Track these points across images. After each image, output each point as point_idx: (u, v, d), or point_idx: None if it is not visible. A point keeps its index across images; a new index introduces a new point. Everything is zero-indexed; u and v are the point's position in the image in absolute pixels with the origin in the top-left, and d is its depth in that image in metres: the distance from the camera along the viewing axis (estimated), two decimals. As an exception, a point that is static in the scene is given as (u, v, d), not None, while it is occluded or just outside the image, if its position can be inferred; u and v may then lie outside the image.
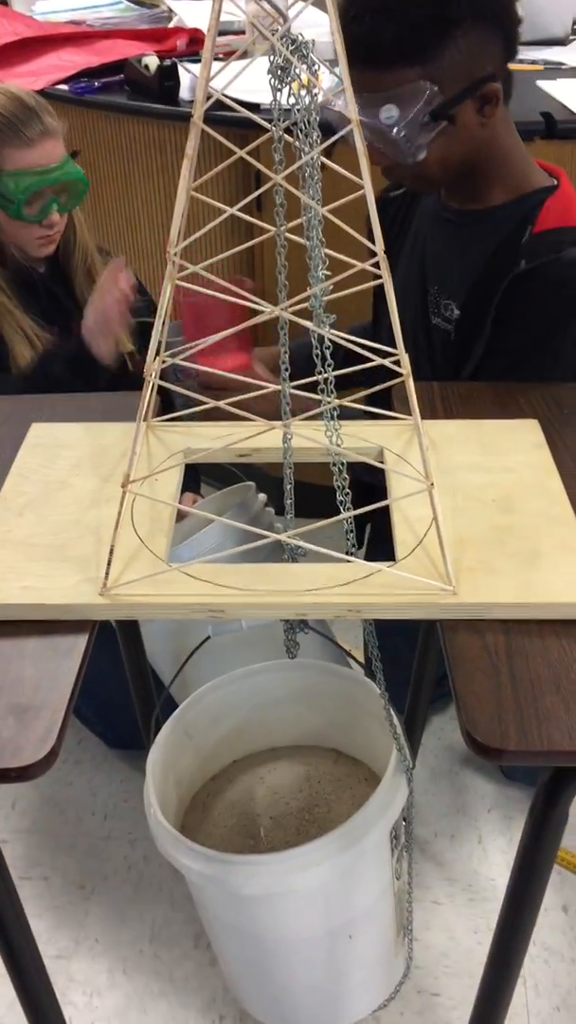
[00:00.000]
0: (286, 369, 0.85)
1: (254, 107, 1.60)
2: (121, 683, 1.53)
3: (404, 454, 0.99)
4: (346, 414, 0.88)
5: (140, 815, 1.68)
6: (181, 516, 1.07)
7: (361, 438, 1.01)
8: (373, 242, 0.73)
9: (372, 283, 0.78)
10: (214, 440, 1.01)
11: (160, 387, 0.87)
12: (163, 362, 0.84)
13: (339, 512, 0.86)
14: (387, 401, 1.08)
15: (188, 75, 1.91)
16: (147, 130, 2.03)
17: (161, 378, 0.85)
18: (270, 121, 0.72)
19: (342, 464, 0.86)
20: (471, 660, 0.78)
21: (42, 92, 2.02)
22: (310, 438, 0.88)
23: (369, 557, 0.87)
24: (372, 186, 0.72)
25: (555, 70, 2.03)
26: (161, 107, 1.93)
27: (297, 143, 0.72)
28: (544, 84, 1.89)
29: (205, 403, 0.83)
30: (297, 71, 0.69)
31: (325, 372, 0.80)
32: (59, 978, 1.44)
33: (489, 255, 1.19)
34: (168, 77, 1.91)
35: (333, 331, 0.77)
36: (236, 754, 1.36)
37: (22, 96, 1.41)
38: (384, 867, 1.12)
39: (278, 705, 1.30)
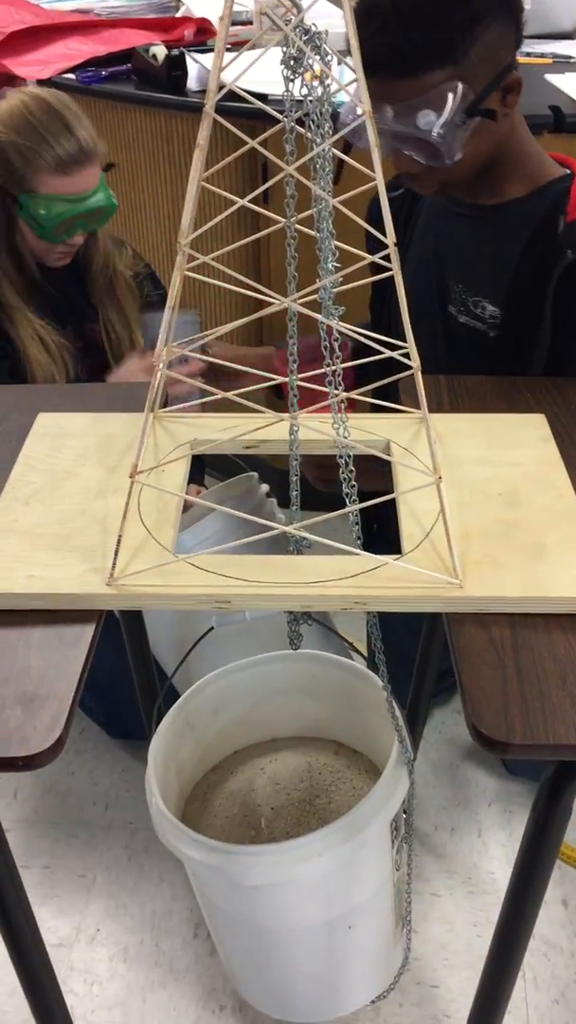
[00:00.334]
0: (294, 361, 0.85)
1: (261, 97, 1.60)
2: (123, 673, 1.53)
3: (411, 447, 0.99)
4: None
5: (141, 805, 1.69)
6: (186, 507, 1.07)
7: (367, 431, 1.01)
8: (384, 234, 0.73)
9: (381, 276, 0.78)
10: (221, 431, 1.01)
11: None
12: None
13: (345, 505, 0.86)
14: (393, 394, 1.08)
15: (196, 65, 1.91)
16: (154, 120, 2.03)
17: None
18: (281, 112, 0.71)
19: (348, 456, 0.86)
20: (477, 654, 0.78)
21: (49, 81, 2.02)
22: (317, 430, 0.89)
23: (374, 553, 0.87)
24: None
25: (563, 63, 2.03)
26: (168, 97, 1.93)
27: (308, 134, 0.72)
28: (552, 78, 1.88)
29: (213, 393, 0.83)
30: (310, 62, 0.69)
31: (333, 364, 0.80)
32: (60, 967, 1.44)
33: (522, 249, 1.18)
34: (176, 67, 1.90)
35: (342, 324, 0.77)
36: (237, 744, 1.36)
37: (71, 123, 1.38)
38: (384, 858, 1.13)
39: (279, 696, 1.31)
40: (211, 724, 1.29)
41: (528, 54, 2.07)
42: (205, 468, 1.88)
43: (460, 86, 1.02)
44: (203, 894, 1.20)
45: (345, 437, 0.84)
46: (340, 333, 0.79)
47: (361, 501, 0.84)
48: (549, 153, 1.21)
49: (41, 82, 2.03)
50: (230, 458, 1.29)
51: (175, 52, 1.91)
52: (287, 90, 0.70)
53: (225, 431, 1.01)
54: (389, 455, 0.98)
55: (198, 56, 1.93)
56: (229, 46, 1.77)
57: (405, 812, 1.14)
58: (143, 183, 2.16)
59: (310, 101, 0.70)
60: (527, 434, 1.03)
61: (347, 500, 0.86)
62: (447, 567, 0.83)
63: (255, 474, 1.50)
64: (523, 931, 0.98)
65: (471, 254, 1.25)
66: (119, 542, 0.84)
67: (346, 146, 1.14)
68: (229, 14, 0.67)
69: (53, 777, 1.76)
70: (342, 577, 0.83)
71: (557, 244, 1.13)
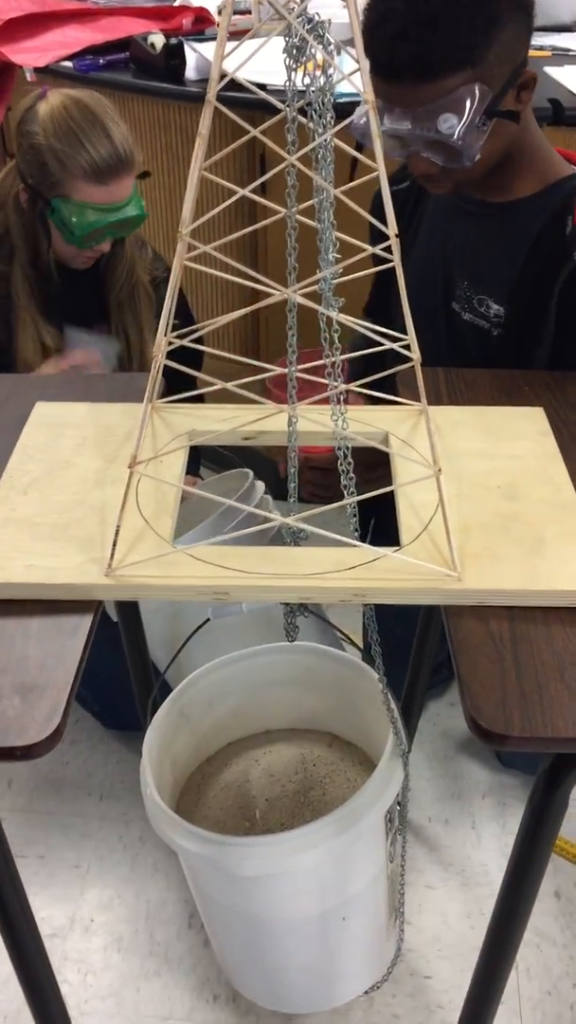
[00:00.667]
0: (292, 352, 0.85)
1: (260, 88, 1.59)
2: (118, 664, 1.53)
3: (409, 439, 0.99)
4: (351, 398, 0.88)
5: (135, 796, 1.69)
6: (184, 497, 1.07)
7: (366, 423, 1.01)
8: (386, 225, 0.73)
9: (382, 267, 0.77)
10: (219, 422, 1.01)
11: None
12: (169, 344, 0.83)
13: (343, 497, 0.86)
14: (392, 387, 1.07)
15: (194, 54, 1.90)
16: (152, 109, 2.02)
17: None
18: (282, 101, 0.71)
19: (347, 448, 0.86)
20: (476, 646, 0.78)
21: (47, 69, 2.01)
22: (316, 421, 0.88)
23: (374, 546, 0.87)
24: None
25: (562, 56, 2.02)
26: (166, 86, 1.92)
27: (310, 124, 0.72)
28: (552, 70, 1.88)
29: (213, 383, 0.82)
30: (312, 51, 0.68)
31: (332, 356, 0.80)
32: (54, 956, 1.44)
33: (529, 249, 1.17)
34: (174, 56, 1.89)
35: (343, 315, 0.77)
36: (232, 736, 1.36)
37: (110, 130, 1.36)
38: (379, 850, 1.13)
39: (274, 688, 1.31)
40: (206, 716, 1.29)
41: (527, 46, 2.06)
42: (201, 459, 1.88)
43: (481, 88, 1.01)
44: (197, 885, 1.20)
45: (344, 429, 0.84)
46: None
47: (359, 495, 0.84)
48: (556, 149, 1.21)
49: (38, 70, 2.02)
50: (224, 452, 1.28)
51: (173, 41, 1.90)
52: (289, 79, 0.70)
53: (223, 422, 1.01)
54: (388, 447, 0.98)
55: (196, 45, 1.93)
56: (228, 35, 1.76)
57: (399, 804, 1.14)
58: (140, 172, 2.15)
59: (312, 91, 0.70)
60: (526, 427, 1.03)
61: (345, 492, 0.86)
62: (446, 560, 0.83)
63: (250, 471, 1.50)
64: (518, 923, 0.99)
65: (478, 252, 1.24)
66: (117, 532, 0.83)
67: (358, 145, 1.13)
68: (231, 3, 0.67)
69: (48, 767, 1.76)
70: (340, 569, 0.83)
71: (564, 245, 1.13)
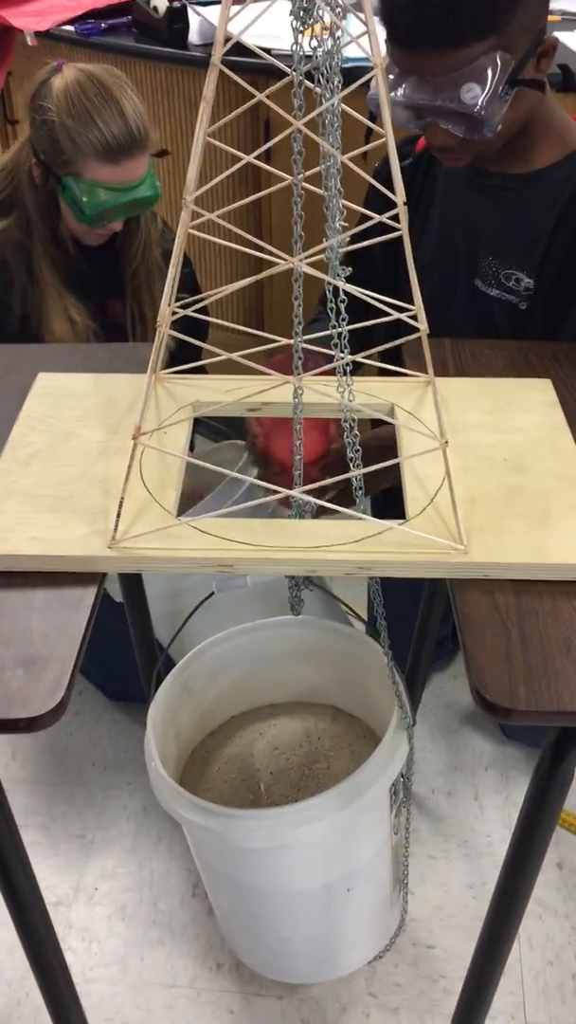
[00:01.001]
0: (298, 323, 0.84)
1: (266, 51, 1.57)
2: (121, 636, 1.53)
3: (415, 411, 0.98)
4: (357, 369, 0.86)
5: (139, 766, 1.70)
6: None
7: (371, 394, 1.00)
8: (394, 192, 0.71)
9: (390, 236, 0.76)
10: (224, 393, 1.00)
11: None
12: (174, 312, 0.82)
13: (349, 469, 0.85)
14: (398, 358, 1.06)
15: (197, 18, 1.87)
16: (154, 74, 1.99)
17: None
18: (289, 66, 0.69)
19: (353, 420, 0.85)
20: (481, 619, 0.78)
21: (47, 33, 1.98)
22: (322, 393, 0.87)
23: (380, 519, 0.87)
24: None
25: (572, 21, 1.99)
26: (169, 51, 1.89)
27: (317, 89, 0.70)
28: (561, 35, 1.84)
29: (218, 355, 0.82)
30: (320, 13, 0.67)
31: (340, 327, 0.79)
32: (58, 925, 1.44)
33: (556, 218, 1.15)
34: (177, 20, 1.87)
35: (351, 286, 0.76)
36: (235, 709, 1.36)
37: (124, 108, 1.32)
38: (383, 822, 1.13)
39: (278, 661, 1.31)
40: (210, 689, 1.29)
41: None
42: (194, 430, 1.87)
43: (503, 56, 0.98)
44: (202, 857, 1.20)
45: (350, 401, 0.83)
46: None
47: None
48: (572, 116, 1.18)
49: (39, 34, 1.99)
50: (216, 421, 1.27)
51: (176, 4, 1.87)
52: (296, 42, 0.68)
53: (228, 393, 1.00)
54: (394, 419, 0.97)
55: (200, 9, 1.90)
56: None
57: (404, 777, 1.14)
58: (143, 140, 2.12)
59: (319, 54, 0.68)
60: (533, 399, 1.02)
61: (351, 464, 0.85)
62: (451, 533, 0.83)
63: (241, 442, 1.49)
64: (521, 895, 0.99)
65: (502, 226, 1.21)
66: (121, 505, 0.83)
67: (371, 115, 1.11)
68: (237, -38, 0.65)
69: (51, 738, 1.76)
70: (346, 542, 0.82)
71: None
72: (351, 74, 0.69)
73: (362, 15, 0.67)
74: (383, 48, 1.02)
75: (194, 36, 1.88)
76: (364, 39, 0.66)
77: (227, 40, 0.66)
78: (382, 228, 0.75)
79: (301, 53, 0.68)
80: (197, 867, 1.36)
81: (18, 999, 1.40)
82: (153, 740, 1.11)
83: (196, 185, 0.72)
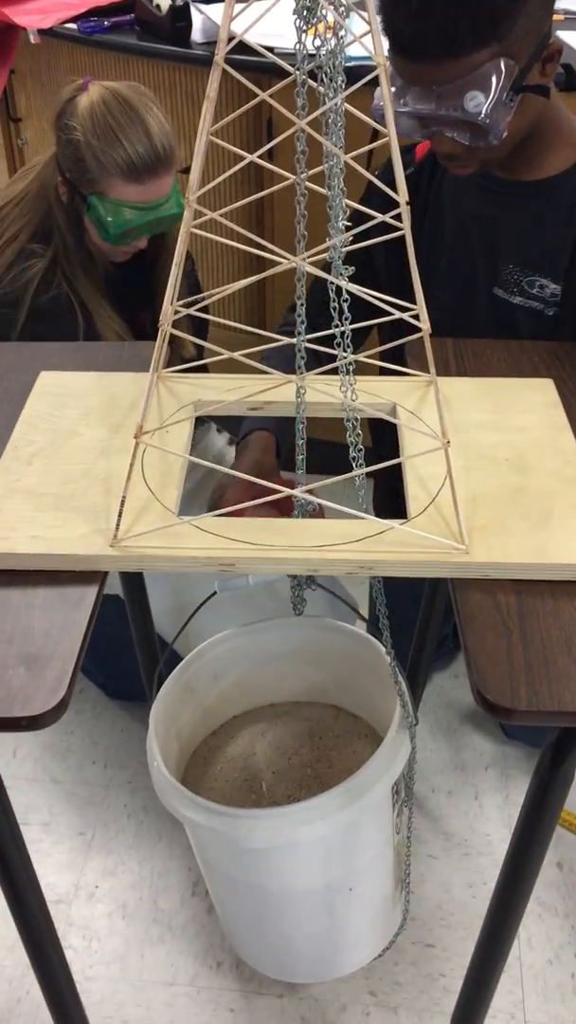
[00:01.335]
0: (302, 322, 0.84)
1: (269, 50, 1.57)
2: (122, 635, 1.53)
3: (417, 411, 0.98)
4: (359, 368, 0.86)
5: (140, 764, 1.70)
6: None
7: (373, 394, 1.00)
8: (396, 192, 0.71)
9: (391, 235, 0.76)
10: (225, 392, 1.00)
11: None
12: (176, 312, 0.82)
13: (351, 470, 0.85)
14: (401, 358, 1.06)
15: (200, 16, 1.87)
16: (157, 72, 1.99)
17: None
18: (292, 65, 0.69)
19: (356, 420, 0.85)
20: (482, 619, 0.78)
21: (50, 31, 1.98)
22: (324, 392, 0.87)
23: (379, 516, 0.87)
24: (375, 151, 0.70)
25: (574, 20, 1.98)
26: (172, 49, 1.89)
27: (321, 88, 0.70)
28: (563, 35, 1.84)
29: (220, 354, 0.82)
30: (323, 12, 0.67)
31: (342, 326, 0.79)
32: (59, 922, 1.45)
33: None
34: (180, 18, 1.86)
35: (353, 285, 0.76)
36: (237, 709, 1.36)
37: (150, 128, 1.32)
38: (385, 822, 1.13)
39: (279, 661, 1.31)
40: (211, 689, 1.29)
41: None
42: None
43: (507, 63, 0.98)
44: (204, 856, 1.21)
45: (352, 400, 0.83)
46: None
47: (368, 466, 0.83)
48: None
49: (42, 32, 1.99)
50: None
51: (179, 2, 1.87)
52: (300, 42, 0.68)
53: (230, 392, 1.00)
54: (396, 418, 0.97)
55: (203, 7, 1.89)
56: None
57: (407, 776, 1.14)
58: (145, 138, 2.12)
59: (323, 54, 0.68)
60: (534, 399, 1.02)
61: (354, 464, 0.85)
62: (453, 532, 0.83)
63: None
64: (521, 894, 0.99)
65: (523, 233, 1.19)
66: (123, 503, 0.83)
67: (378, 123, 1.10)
68: (241, -39, 0.65)
69: (52, 736, 1.76)
70: (347, 541, 0.82)
71: None
72: (354, 73, 0.69)
73: (365, 14, 0.67)
74: (386, 49, 1.02)
75: (197, 34, 1.88)
76: (367, 38, 0.66)
77: (230, 39, 0.66)
78: (384, 230, 0.75)
79: (304, 52, 0.68)
80: (198, 865, 1.36)
81: (18, 996, 1.40)
82: (155, 739, 1.11)
83: (199, 184, 0.72)
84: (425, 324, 0.79)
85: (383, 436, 1.04)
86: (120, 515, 0.83)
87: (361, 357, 0.83)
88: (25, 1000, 1.39)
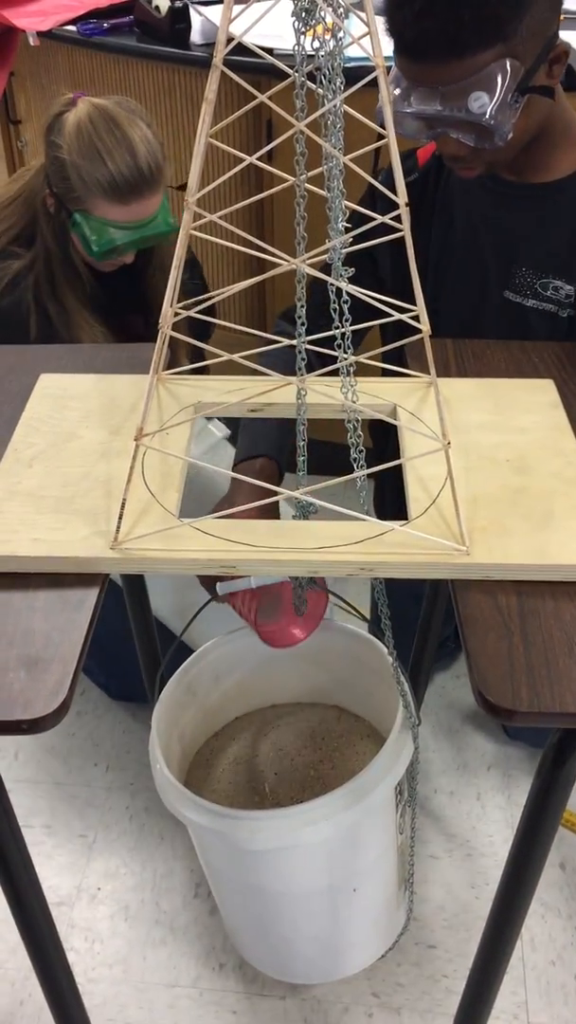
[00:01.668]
0: (302, 324, 0.84)
1: (267, 51, 1.56)
2: (124, 635, 1.53)
3: (418, 412, 0.98)
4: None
5: (142, 766, 1.70)
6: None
7: (374, 395, 1.00)
8: (396, 194, 0.71)
9: (391, 236, 0.76)
10: (226, 394, 1.00)
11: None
12: (176, 314, 0.82)
13: (352, 470, 0.85)
14: (402, 359, 1.06)
15: (200, 18, 1.87)
16: (156, 74, 1.99)
17: None
18: (291, 67, 0.69)
19: (356, 421, 0.85)
20: (483, 621, 0.78)
21: (50, 33, 1.98)
22: (325, 394, 0.87)
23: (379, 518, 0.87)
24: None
25: (574, 19, 1.98)
26: (171, 51, 1.89)
27: (320, 90, 0.70)
28: (564, 34, 1.84)
29: (219, 355, 0.82)
30: (322, 14, 0.67)
31: (342, 327, 0.79)
32: (61, 924, 1.45)
33: None
34: (179, 20, 1.86)
35: (352, 286, 0.76)
36: (239, 710, 1.36)
37: (135, 147, 1.30)
38: (389, 822, 1.13)
39: (281, 662, 1.30)
40: (213, 690, 1.29)
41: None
42: None
43: (512, 63, 0.97)
44: (207, 858, 1.21)
45: (353, 401, 0.83)
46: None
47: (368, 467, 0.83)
48: None
49: (41, 34, 1.99)
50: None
51: (179, 4, 1.87)
52: (298, 43, 0.68)
53: (230, 394, 1.00)
54: (396, 420, 0.97)
55: (202, 8, 1.89)
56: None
57: (410, 777, 1.14)
58: (145, 140, 2.12)
59: (321, 55, 0.68)
60: (535, 399, 1.02)
61: (355, 466, 0.85)
62: (454, 534, 0.83)
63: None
64: (524, 895, 0.99)
65: (534, 236, 1.19)
66: (123, 506, 0.83)
67: (381, 123, 1.10)
68: (239, -37, 0.65)
69: (54, 738, 1.76)
70: (348, 543, 0.82)
71: None
72: (354, 74, 0.69)
73: (364, 15, 0.67)
74: (385, 50, 1.02)
75: (196, 36, 1.88)
76: (366, 40, 0.66)
77: (229, 40, 0.66)
78: (389, 231, 0.75)
79: (303, 54, 0.68)
80: (201, 867, 1.36)
81: (21, 999, 1.40)
82: (157, 742, 1.11)
83: (198, 186, 0.72)
84: (425, 325, 0.79)
85: (387, 437, 1.04)
86: (121, 517, 0.83)
87: (362, 358, 0.83)
88: (28, 1003, 1.39)
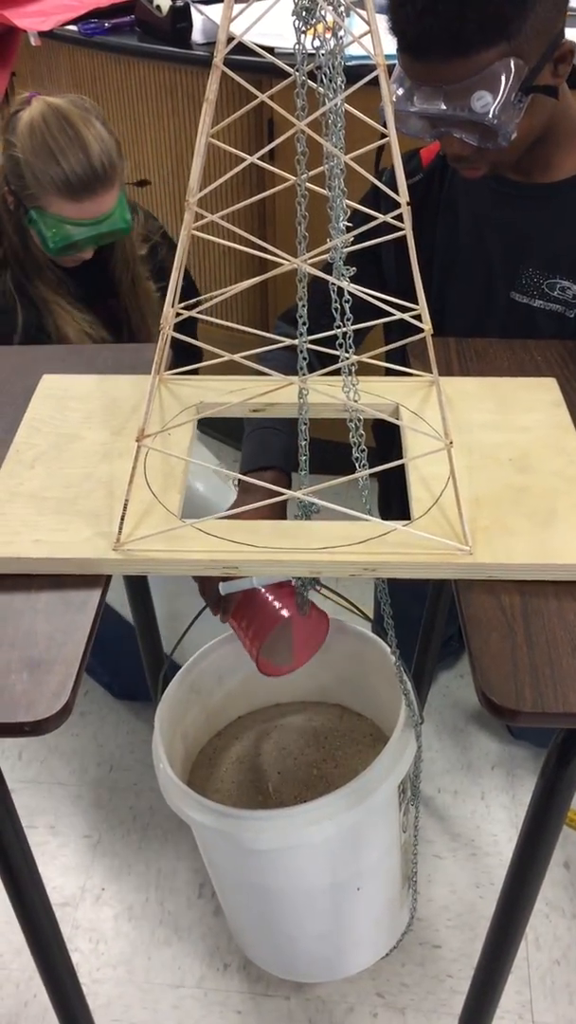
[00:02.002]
0: (304, 323, 0.84)
1: (268, 51, 1.56)
2: (127, 634, 1.53)
3: (420, 411, 0.98)
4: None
5: (145, 766, 1.70)
6: None
7: (376, 394, 1.00)
8: (397, 192, 0.71)
9: (394, 235, 0.76)
10: (228, 394, 0.99)
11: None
12: (177, 314, 0.82)
13: (354, 469, 0.85)
14: (403, 358, 1.06)
15: (201, 17, 1.87)
16: (157, 73, 1.99)
17: None
18: (291, 66, 0.69)
19: (358, 420, 0.85)
20: (486, 621, 0.77)
21: (51, 33, 1.98)
22: (327, 393, 0.87)
23: (382, 518, 0.86)
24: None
25: (574, 17, 1.98)
26: (173, 50, 1.89)
27: (320, 89, 0.70)
28: (570, 32, 1.83)
29: (220, 355, 0.81)
30: (322, 13, 0.67)
31: (344, 326, 0.79)
32: (65, 925, 1.46)
33: None
34: (180, 19, 1.86)
35: (354, 285, 0.75)
36: (242, 709, 1.36)
37: (88, 145, 1.31)
38: (392, 821, 1.13)
39: (285, 661, 1.30)
40: (216, 690, 1.29)
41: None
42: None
43: (516, 63, 0.96)
44: (210, 858, 1.20)
45: (355, 401, 0.83)
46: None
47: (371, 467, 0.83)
48: None
49: (42, 34, 1.99)
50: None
51: (180, 3, 1.87)
52: (299, 42, 0.68)
53: (232, 394, 0.99)
54: (399, 419, 0.96)
55: (203, 8, 1.89)
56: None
57: (413, 775, 1.14)
58: (146, 138, 2.12)
59: (322, 54, 0.68)
60: (537, 398, 1.02)
61: (357, 465, 0.85)
62: (457, 533, 0.82)
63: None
64: (529, 894, 0.99)
65: (541, 236, 1.18)
66: (125, 507, 0.83)
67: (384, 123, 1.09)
68: (239, -38, 0.65)
69: (57, 738, 1.76)
70: (351, 543, 0.82)
71: None
72: (355, 73, 0.69)
73: (364, 13, 0.67)
74: (387, 48, 1.01)
75: (197, 35, 1.88)
76: (367, 38, 0.66)
77: (229, 40, 0.66)
78: (391, 231, 0.75)
79: (303, 53, 0.68)
80: (205, 867, 1.36)
81: (25, 1000, 1.40)
82: (161, 742, 1.11)
83: (199, 186, 0.72)
84: (427, 325, 0.78)
85: (391, 437, 1.04)
86: (123, 518, 0.82)
87: (364, 358, 0.83)
88: (32, 1003, 1.39)
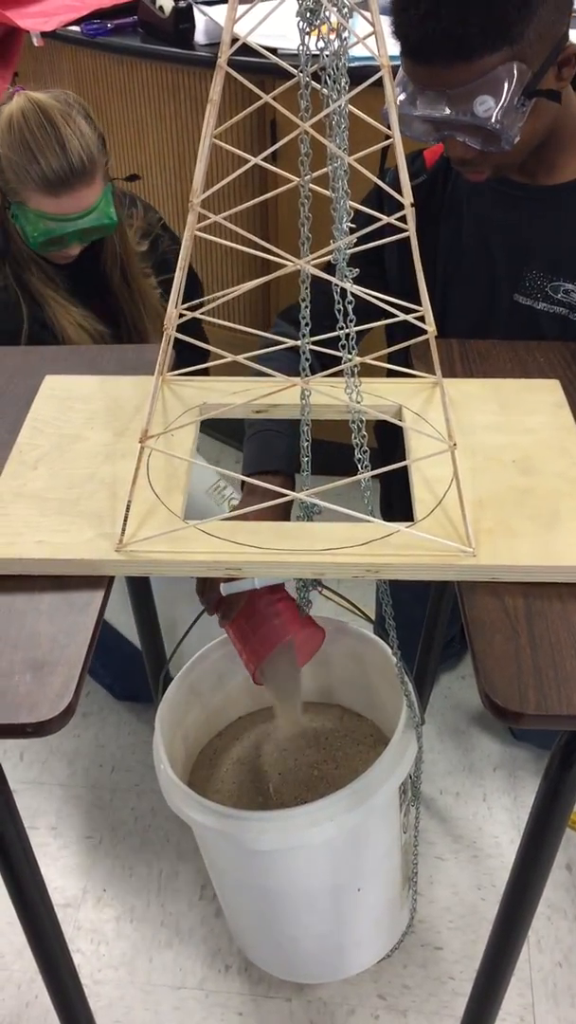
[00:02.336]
0: (306, 324, 0.84)
1: (272, 52, 1.56)
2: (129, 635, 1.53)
3: (423, 413, 0.98)
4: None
5: (147, 767, 1.70)
6: None
7: (379, 396, 1.00)
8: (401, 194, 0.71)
9: (397, 237, 0.76)
10: (231, 395, 0.99)
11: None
12: (180, 315, 0.82)
13: (356, 471, 0.85)
14: (405, 359, 1.06)
15: (204, 18, 1.87)
16: (160, 74, 1.99)
17: None
18: (295, 66, 0.69)
19: (361, 422, 0.85)
20: (490, 623, 0.77)
21: (53, 33, 1.98)
22: (329, 395, 0.87)
23: (383, 520, 0.86)
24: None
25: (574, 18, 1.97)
26: (175, 51, 1.89)
27: (324, 90, 0.70)
28: (573, 34, 1.83)
29: (223, 356, 0.81)
30: (327, 14, 0.67)
31: (347, 328, 0.78)
32: (67, 927, 1.45)
33: None
34: (183, 20, 1.86)
35: (357, 287, 0.75)
36: (242, 710, 1.36)
37: (66, 141, 1.30)
38: (393, 822, 1.13)
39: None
40: (216, 690, 1.29)
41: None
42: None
43: (519, 67, 0.96)
44: (212, 859, 1.20)
45: (358, 402, 0.83)
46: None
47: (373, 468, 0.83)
48: None
49: (45, 34, 1.99)
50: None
51: (183, 4, 1.87)
52: (303, 43, 0.68)
53: (235, 395, 0.99)
54: (401, 420, 0.96)
55: (206, 8, 1.89)
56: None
57: (413, 776, 1.14)
58: (148, 139, 2.12)
59: (326, 55, 0.68)
60: (541, 400, 1.02)
61: (359, 466, 0.85)
62: (460, 535, 0.82)
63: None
64: (531, 897, 0.99)
65: (544, 238, 1.18)
66: (128, 508, 0.83)
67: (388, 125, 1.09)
68: (244, -37, 0.65)
69: (59, 739, 1.76)
70: (354, 544, 0.82)
71: None
72: (359, 74, 0.69)
73: (368, 15, 0.67)
74: (391, 50, 1.01)
75: (200, 36, 1.88)
76: (371, 39, 0.66)
77: (233, 41, 0.66)
78: (395, 232, 0.75)
79: (307, 54, 0.68)
80: (206, 868, 1.36)
81: (27, 1001, 1.40)
82: (161, 742, 1.11)
83: (203, 187, 0.72)
84: (431, 327, 0.78)
85: (394, 438, 1.04)
86: (126, 520, 0.82)
87: (368, 359, 0.83)
88: (34, 1005, 1.39)
